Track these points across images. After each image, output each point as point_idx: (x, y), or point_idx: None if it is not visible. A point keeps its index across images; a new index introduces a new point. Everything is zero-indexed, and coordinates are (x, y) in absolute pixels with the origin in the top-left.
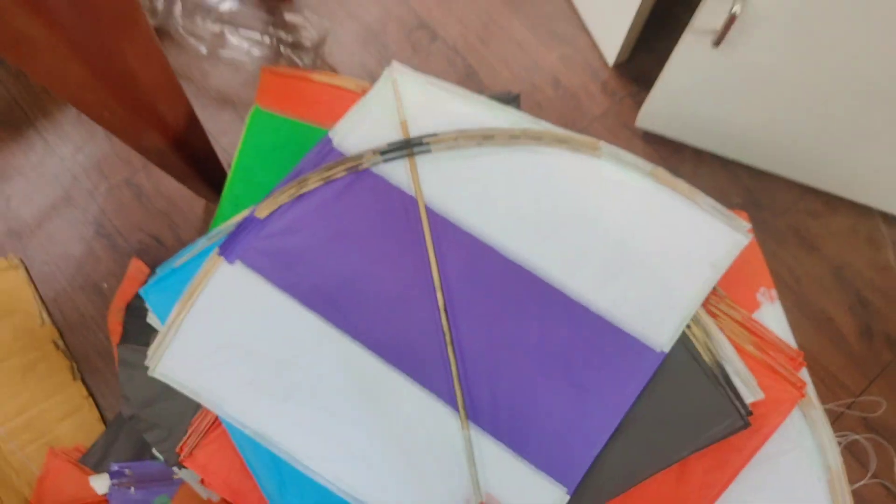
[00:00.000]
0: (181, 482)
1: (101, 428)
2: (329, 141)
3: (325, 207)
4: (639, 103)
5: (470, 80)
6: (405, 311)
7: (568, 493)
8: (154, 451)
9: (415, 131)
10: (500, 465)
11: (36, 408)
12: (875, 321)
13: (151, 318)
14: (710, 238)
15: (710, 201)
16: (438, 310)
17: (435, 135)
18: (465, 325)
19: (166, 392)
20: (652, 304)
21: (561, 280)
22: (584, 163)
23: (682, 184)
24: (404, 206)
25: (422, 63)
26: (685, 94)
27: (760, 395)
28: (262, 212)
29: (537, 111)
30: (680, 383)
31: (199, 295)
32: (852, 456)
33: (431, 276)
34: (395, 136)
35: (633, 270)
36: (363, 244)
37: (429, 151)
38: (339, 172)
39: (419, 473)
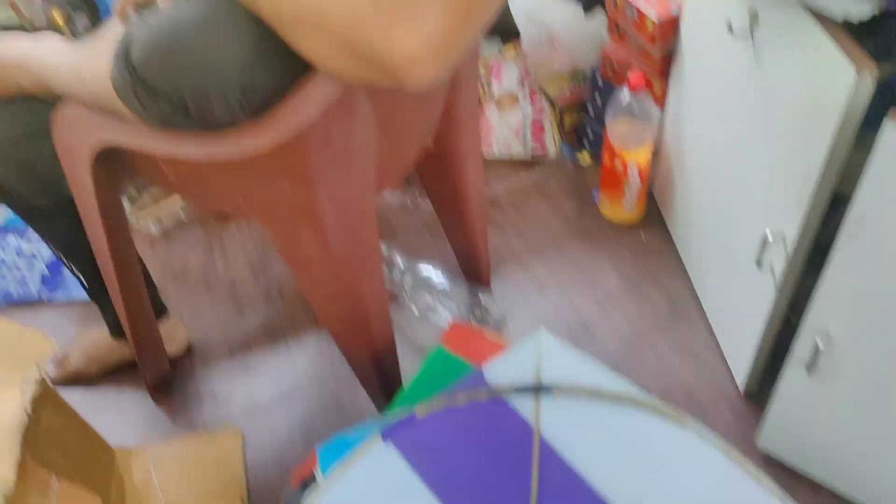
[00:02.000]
0: None
1: None
2: (481, 373)
3: (465, 420)
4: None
5: None
6: None
7: None
8: None
9: (545, 378)
10: None
11: None
12: None
13: (317, 472)
14: None
15: (771, 483)
16: None
17: (559, 384)
18: None
19: None
20: None
21: None
22: (672, 430)
23: (751, 465)
24: (524, 432)
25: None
26: (796, 422)
27: None
28: (420, 413)
29: None
30: None
31: (357, 462)
32: None
33: (530, 491)
34: (530, 379)
35: None
36: (486, 454)
37: (551, 394)
38: (482, 396)
39: None
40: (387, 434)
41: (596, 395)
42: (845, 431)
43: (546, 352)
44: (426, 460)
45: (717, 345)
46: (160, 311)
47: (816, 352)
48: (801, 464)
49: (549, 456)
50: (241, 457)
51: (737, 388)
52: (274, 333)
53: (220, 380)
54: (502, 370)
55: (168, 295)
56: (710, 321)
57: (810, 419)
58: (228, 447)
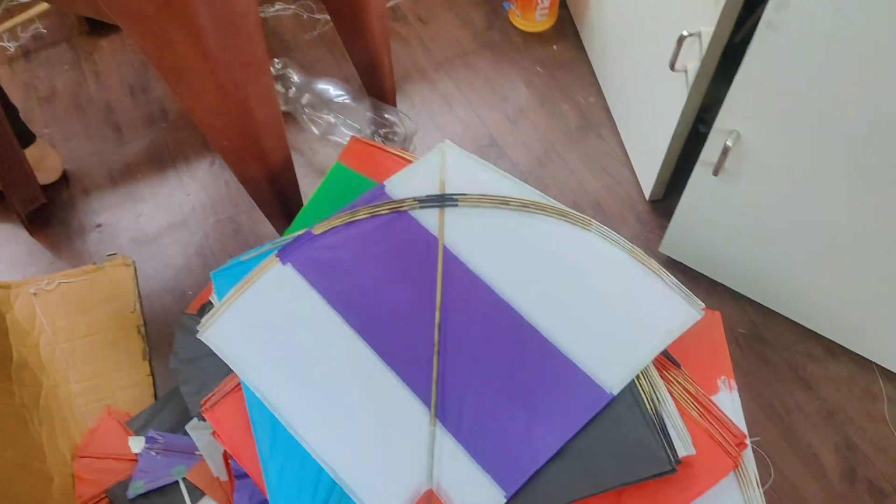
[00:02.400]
0: (200, 458)
1: (152, 401)
2: (383, 187)
3: (366, 234)
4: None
5: None
6: (408, 323)
7: (505, 497)
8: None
9: (449, 190)
10: (454, 461)
11: (107, 376)
12: (861, 466)
13: (213, 298)
14: (669, 308)
15: (674, 280)
16: (434, 326)
17: (464, 194)
18: (453, 342)
19: (207, 356)
20: (610, 353)
21: (539, 321)
22: (578, 234)
23: (653, 262)
24: (428, 243)
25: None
26: (698, 223)
27: (692, 451)
28: (318, 229)
29: None
30: (621, 423)
31: (253, 284)
32: None
33: (435, 299)
34: (434, 191)
35: (601, 323)
36: (389, 267)
37: (456, 205)
38: (384, 210)
39: (387, 455)
40: (283, 253)
41: (501, 203)
42: (744, 231)
43: (451, 164)
44: (325, 276)
45: (626, 155)
46: (25, 137)
47: (725, 151)
48: (700, 265)
49: (454, 264)
50: (134, 287)
51: (643, 196)
52: (160, 159)
53: (105, 210)
54: (405, 184)
55: (34, 120)
56: (621, 132)
57: (712, 221)
58: (119, 278)
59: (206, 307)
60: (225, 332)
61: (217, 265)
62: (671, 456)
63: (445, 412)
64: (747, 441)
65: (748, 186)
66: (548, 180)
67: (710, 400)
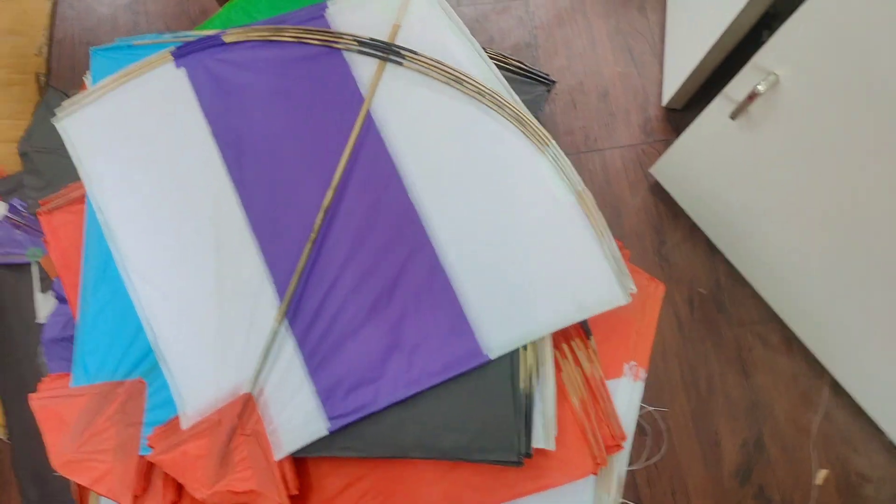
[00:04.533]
0: None
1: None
2: (324, 8)
3: (284, 63)
4: None
5: (527, 48)
6: (292, 192)
7: (328, 430)
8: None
9: (400, 41)
10: (288, 372)
11: None
12: (759, 469)
13: (88, 78)
14: (594, 281)
15: (614, 249)
16: (320, 208)
17: (415, 54)
18: (337, 234)
19: (64, 150)
20: (504, 311)
21: (442, 242)
22: (527, 150)
23: (599, 218)
24: (351, 101)
25: (497, 13)
26: (699, 158)
27: (550, 447)
28: (230, 37)
29: (569, 110)
30: (486, 393)
31: (134, 78)
32: None
33: (334, 174)
34: (383, 36)
35: (509, 271)
36: (296, 115)
37: (400, 64)
38: (315, 39)
39: (217, 339)
40: (181, 53)
41: (454, 80)
42: (743, 184)
43: (415, 9)
44: (219, 99)
45: (662, 42)
46: None
47: (751, 96)
48: (686, 203)
49: (372, 140)
50: (47, 25)
51: (660, 99)
52: None
53: None
54: (351, 15)
55: None
56: (668, 12)
57: (715, 159)
58: (33, 8)
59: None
60: (85, 127)
61: (147, 27)
62: (522, 447)
63: (297, 313)
64: (624, 444)
65: (765, 138)
66: (559, 44)
67: (602, 387)
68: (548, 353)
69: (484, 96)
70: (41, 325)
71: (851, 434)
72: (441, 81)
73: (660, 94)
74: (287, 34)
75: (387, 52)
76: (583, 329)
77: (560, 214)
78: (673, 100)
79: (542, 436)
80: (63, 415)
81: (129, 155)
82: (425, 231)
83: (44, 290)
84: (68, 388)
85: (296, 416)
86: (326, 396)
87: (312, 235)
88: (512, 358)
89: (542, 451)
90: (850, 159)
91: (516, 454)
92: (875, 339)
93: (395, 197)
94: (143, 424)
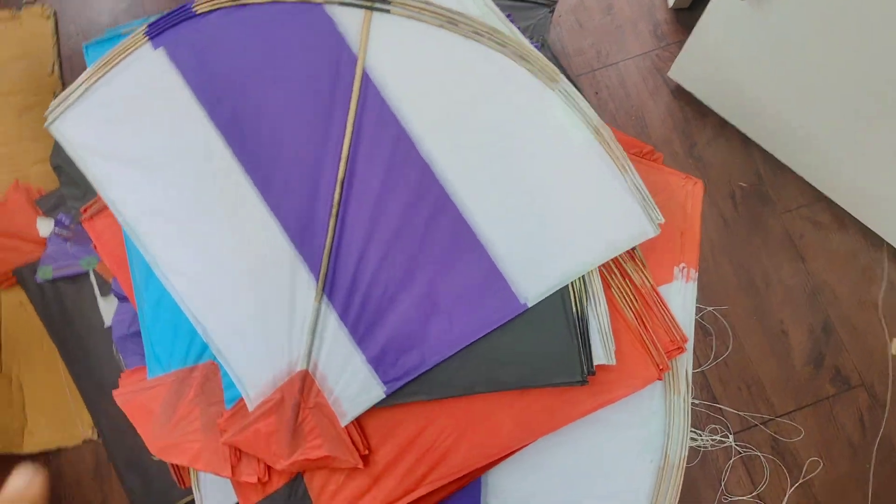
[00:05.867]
0: None
1: None
2: None
3: (264, 27)
4: None
5: None
6: (304, 168)
7: (385, 393)
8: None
9: None
10: (336, 345)
11: (20, 145)
12: (832, 352)
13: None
14: (620, 217)
15: (638, 181)
16: (336, 181)
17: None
18: (357, 205)
19: None
20: (534, 258)
21: (463, 198)
22: (535, 89)
23: (619, 151)
24: (342, 61)
25: None
26: (717, 50)
27: (612, 362)
28: (201, 6)
29: (575, 30)
30: (542, 321)
31: (115, 68)
32: (745, 469)
33: (342, 145)
34: None
35: (533, 217)
36: (289, 84)
37: (387, 12)
38: None
39: (264, 324)
40: (154, 30)
41: (447, 21)
42: (766, 67)
43: None
44: (202, 72)
45: None
46: None
47: None
48: (711, 100)
49: (373, 100)
50: (53, 44)
51: (665, 2)
52: None
53: None
54: None
55: None
56: None
57: (733, 49)
58: (38, 32)
59: None
60: (78, 128)
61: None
62: (584, 367)
63: (333, 289)
64: (686, 346)
65: (781, 11)
66: None
67: (655, 294)
68: (593, 272)
69: (483, 36)
70: (110, 328)
71: None
72: (435, 25)
73: None
74: None
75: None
76: None
77: (578, 153)
78: (678, 0)
79: (602, 352)
80: (148, 405)
81: (128, 153)
82: (443, 188)
83: (104, 295)
84: (146, 380)
85: (352, 385)
86: (377, 364)
87: (334, 210)
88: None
89: (603, 367)
90: (862, 16)
91: (579, 374)
92: None
93: (407, 158)
94: (223, 402)
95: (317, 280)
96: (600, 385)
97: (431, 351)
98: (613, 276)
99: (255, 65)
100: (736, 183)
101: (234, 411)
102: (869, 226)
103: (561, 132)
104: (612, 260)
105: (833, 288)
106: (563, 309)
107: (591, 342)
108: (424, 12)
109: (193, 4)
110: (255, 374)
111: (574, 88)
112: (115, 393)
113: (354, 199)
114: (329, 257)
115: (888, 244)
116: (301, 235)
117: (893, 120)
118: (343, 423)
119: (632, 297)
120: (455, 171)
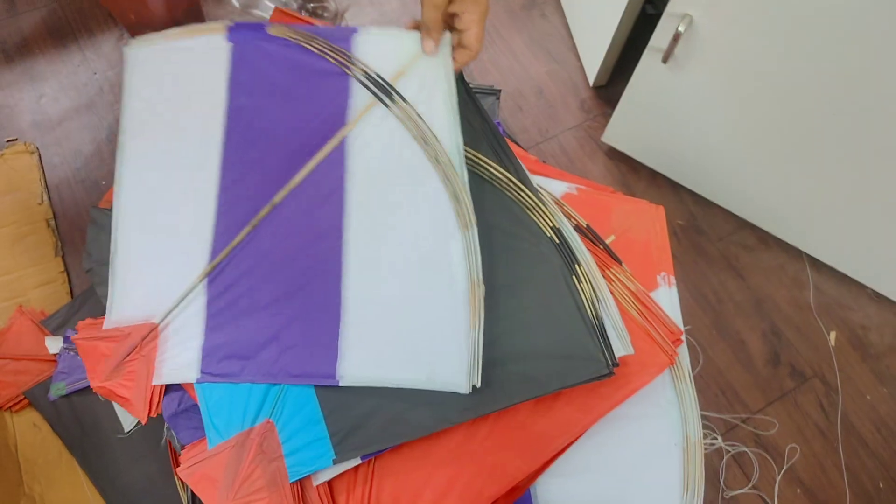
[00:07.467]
0: None
1: (68, 300)
2: (354, 32)
3: (302, 69)
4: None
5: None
6: (257, 180)
7: (196, 380)
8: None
9: (401, 88)
10: (190, 322)
11: (17, 273)
12: (784, 351)
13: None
14: (447, 362)
15: (479, 341)
16: (269, 202)
17: (405, 101)
18: (272, 227)
19: None
20: (370, 354)
21: (351, 274)
22: (451, 227)
23: (479, 311)
24: (336, 123)
25: None
26: (643, 112)
27: (630, 351)
28: (273, 31)
29: (517, 113)
30: (561, 329)
31: (196, 37)
32: (738, 465)
33: (291, 178)
34: (388, 75)
35: (389, 324)
36: (294, 117)
37: (387, 107)
38: (334, 58)
39: (155, 268)
40: (235, 30)
41: (421, 138)
42: (688, 122)
43: (426, 64)
44: (246, 75)
45: (571, 37)
46: None
47: (676, 38)
48: (642, 156)
49: (335, 168)
50: (39, 176)
51: (587, 82)
52: (60, 33)
53: (0, 90)
54: (375, 44)
55: None
56: (566, 12)
57: (658, 110)
58: (22, 166)
59: None
60: (140, 64)
61: None
62: (609, 359)
63: (216, 280)
64: (683, 337)
65: (696, 75)
66: (489, 65)
67: (649, 297)
68: (599, 278)
69: (439, 163)
70: (129, 437)
71: (841, 296)
72: (411, 136)
73: (585, 79)
74: (316, 44)
75: (381, 90)
76: (614, 258)
77: (450, 295)
78: (597, 79)
79: (620, 345)
80: (210, 474)
81: (153, 102)
82: (341, 260)
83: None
84: (207, 450)
85: (179, 358)
86: (206, 354)
87: (253, 221)
88: (572, 294)
89: (623, 360)
90: (776, 77)
91: (606, 366)
92: (830, 210)
93: (332, 217)
94: (283, 457)
95: (208, 264)
96: (623, 377)
97: (249, 370)
98: (613, 284)
99: (282, 90)
100: (675, 222)
101: (91, 326)
102: (788, 241)
103: (448, 271)
104: (608, 269)
105: (772, 297)
106: (580, 314)
107: (609, 337)
108: (409, 122)
109: (268, 26)
110: (124, 305)
111: (477, 242)
112: (177, 470)
113: (274, 222)
114: (227, 254)
115: (806, 254)
116: (224, 227)
117: (795, 154)
118: (154, 382)
119: (632, 298)
120: (358, 251)
